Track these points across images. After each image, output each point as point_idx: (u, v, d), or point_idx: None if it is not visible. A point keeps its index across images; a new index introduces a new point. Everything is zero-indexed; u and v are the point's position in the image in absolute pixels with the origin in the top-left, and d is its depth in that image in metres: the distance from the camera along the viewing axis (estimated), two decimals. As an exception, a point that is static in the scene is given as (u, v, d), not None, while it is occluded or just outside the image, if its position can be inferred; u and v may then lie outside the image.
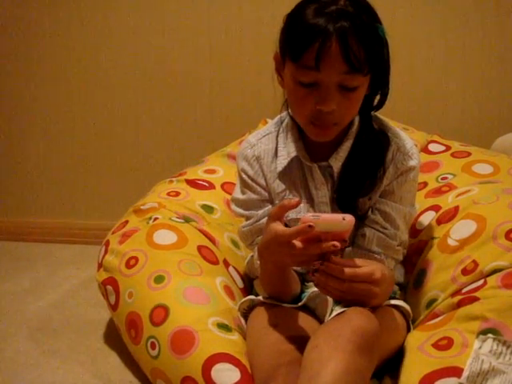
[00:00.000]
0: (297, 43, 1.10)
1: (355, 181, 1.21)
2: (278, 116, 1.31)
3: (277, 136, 1.29)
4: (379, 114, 1.27)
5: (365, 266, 1.08)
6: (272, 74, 1.22)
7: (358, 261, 1.09)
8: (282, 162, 1.26)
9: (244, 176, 1.29)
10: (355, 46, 1.07)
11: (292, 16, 1.15)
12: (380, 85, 1.18)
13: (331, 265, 1.06)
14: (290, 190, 1.26)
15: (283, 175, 1.26)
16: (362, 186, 1.21)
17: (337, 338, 0.99)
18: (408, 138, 1.26)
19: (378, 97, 1.21)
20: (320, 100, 1.11)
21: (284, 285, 1.21)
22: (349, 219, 1.03)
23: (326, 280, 1.06)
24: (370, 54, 1.09)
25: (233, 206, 1.33)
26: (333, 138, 1.20)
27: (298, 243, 1.03)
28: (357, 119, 1.24)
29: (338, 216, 1.04)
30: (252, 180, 1.28)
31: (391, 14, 1.95)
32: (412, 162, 1.23)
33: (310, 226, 1.01)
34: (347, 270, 1.05)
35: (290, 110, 1.26)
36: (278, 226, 1.06)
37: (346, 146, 1.23)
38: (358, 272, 1.06)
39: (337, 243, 1.02)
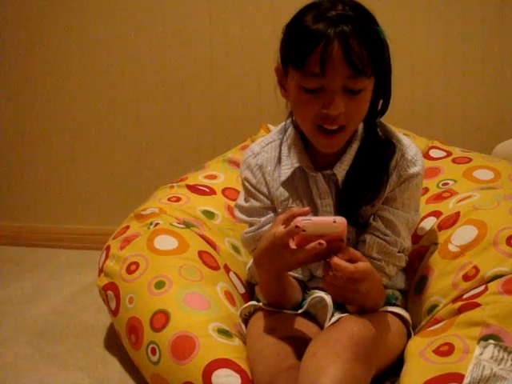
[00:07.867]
0: (299, 50, 1.10)
1: (359, 188, 1.21)
2: (283, 123, 1.30)
3: (280, 144, 1.28)
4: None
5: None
6: (274, 84, 1.21)
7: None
8: (286, 171, 1.25)
9: (247, 184, 1.30)
10: (357, 48, 1.07)
11: (292, 24, 1.14)
12: (382, 89, 1.18)
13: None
14: (293, 199, 1.26)
15: (286, 184, 1.26)
16: (366, 194, 1.21)
17: (334, 346, 0.99)
18: (412, 144, 1.26)
19: (380, 102, 1.21)
20: (327, 104, 1.11)
21: (282, 294, 1.21)
22: (340, 221, 1.04)
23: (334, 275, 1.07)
24: (372, 56, 1.09)
25: (236, 213, 1.33)
26: (340, 147, 1.20)
27: (292, 243, 1.05)
28: (361, 126, 1.23)
29: (329, 218, 1.05)
30: (255, 188, 1.28)
31: (391, 18, 1.95)
32: (415, 169, 1.23)
33: (297, 227, 1.03)
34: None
35: (294, 120, 1.25)
36: (278, 229, 1.07)
37: (351, 153, 1.22)
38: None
39: (322, 241, 1.03)
